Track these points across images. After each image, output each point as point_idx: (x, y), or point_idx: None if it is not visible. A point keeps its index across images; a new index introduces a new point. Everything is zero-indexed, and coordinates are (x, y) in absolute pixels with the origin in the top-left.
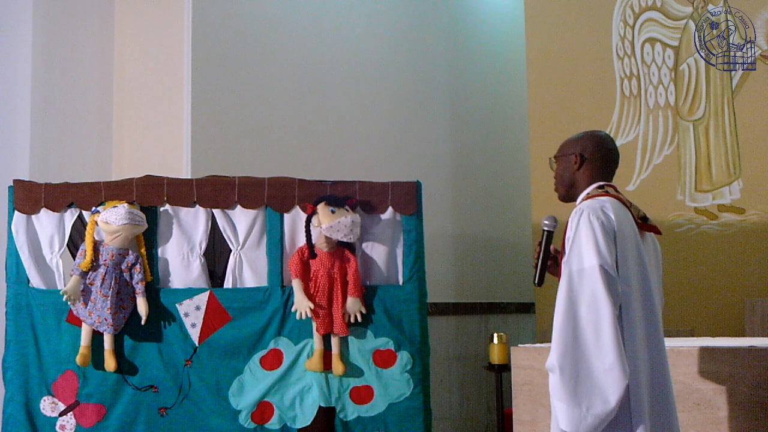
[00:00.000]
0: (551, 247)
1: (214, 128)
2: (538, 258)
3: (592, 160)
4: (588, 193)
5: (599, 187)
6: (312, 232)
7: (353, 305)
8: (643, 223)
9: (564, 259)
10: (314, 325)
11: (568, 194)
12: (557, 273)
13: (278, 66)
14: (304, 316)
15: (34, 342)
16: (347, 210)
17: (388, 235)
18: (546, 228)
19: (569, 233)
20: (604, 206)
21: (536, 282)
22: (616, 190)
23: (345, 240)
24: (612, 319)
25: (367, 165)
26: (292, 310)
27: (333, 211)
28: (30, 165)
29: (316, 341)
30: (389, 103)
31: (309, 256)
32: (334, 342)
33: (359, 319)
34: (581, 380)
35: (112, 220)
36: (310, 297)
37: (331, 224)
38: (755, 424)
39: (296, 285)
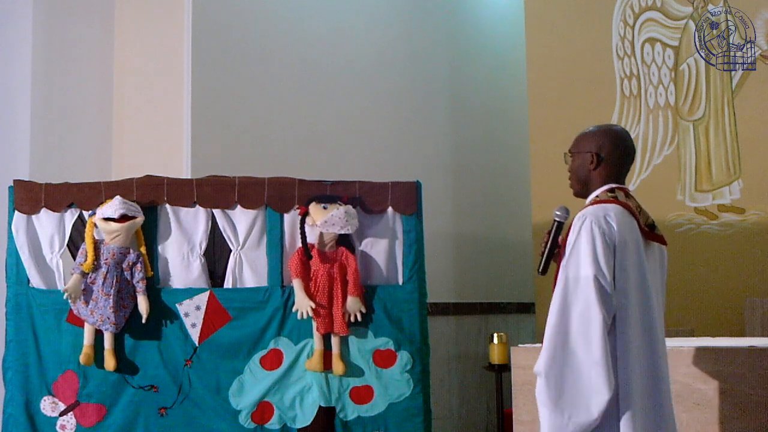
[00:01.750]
0: (560, 238)
1: (214, 128)
2: (545, 246)
3: (609, 160)
4: (597, 196)
5: (609, 191)
6: (308, 233)
7: (353, 304)
8: (650, 232)
9: (562, 263)
10: (314, 324)
11: (582, 191)
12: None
13: (278, 66)
14: (305, 316)
15: (34, 342)
16: (340, 204)
17: (388, 235)
18: (557, 219)
19: (571, 237)
20: (608, 214)
21: (540, 270)
22: (627, 195)
23: (343, 231)
24: (602, 332)
25: (367, 165)
26: (294, 310)
27: (325, 207)
28: (30, 165)
29: (316, 341)
30: (389, 102)
31: (305, 258)
32: (335, 342)
33: (359, 318)
34: (566, 389)
35: (108, 213)
36: (311, 296)
37: (324, 219)
38: (755, 424)
39: (297, 285)
